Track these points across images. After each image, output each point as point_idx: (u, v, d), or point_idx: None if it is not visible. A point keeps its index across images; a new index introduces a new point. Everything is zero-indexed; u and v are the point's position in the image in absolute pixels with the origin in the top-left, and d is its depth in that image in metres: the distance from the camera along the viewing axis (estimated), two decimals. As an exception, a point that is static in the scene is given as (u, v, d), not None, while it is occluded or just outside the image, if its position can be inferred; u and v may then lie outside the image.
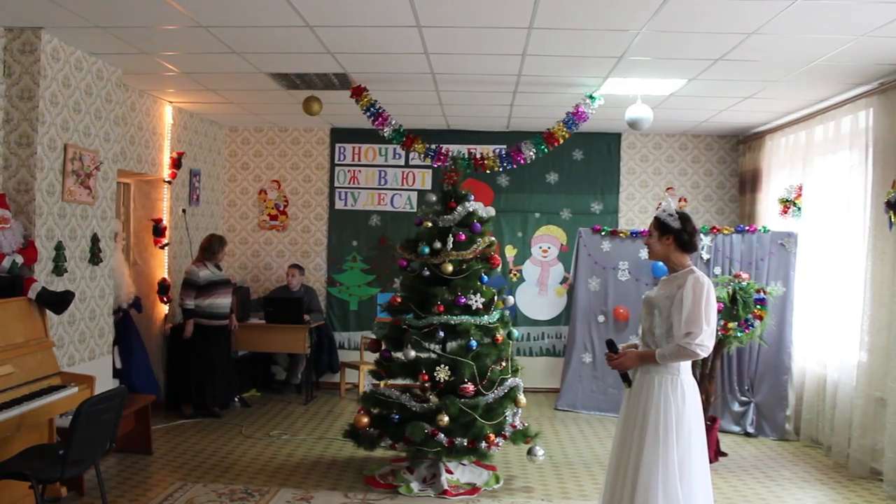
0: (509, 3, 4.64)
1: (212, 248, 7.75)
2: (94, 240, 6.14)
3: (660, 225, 4.05)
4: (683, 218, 4.04)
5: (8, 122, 5.39)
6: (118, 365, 6.97)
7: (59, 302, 5.11)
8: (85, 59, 5.94)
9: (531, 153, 7.17)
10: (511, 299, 6.07)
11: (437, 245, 5.66)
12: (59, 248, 5.67)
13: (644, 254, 8.24)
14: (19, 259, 5.08)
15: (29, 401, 4.47)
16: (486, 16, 4.91)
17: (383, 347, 5.85)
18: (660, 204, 9.36)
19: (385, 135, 7.20)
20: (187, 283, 7.58)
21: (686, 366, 3.91)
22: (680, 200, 9.42)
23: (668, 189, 9.45)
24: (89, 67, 6.00)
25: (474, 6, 4.73)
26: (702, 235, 8.00)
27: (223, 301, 7.70)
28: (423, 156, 7.37)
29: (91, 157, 6.01)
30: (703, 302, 3.78)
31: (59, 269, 5.66)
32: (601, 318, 8.42)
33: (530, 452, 5.79)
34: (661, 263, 8.10)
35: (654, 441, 3.79)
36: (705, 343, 3.74)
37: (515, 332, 6.04)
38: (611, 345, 4.16)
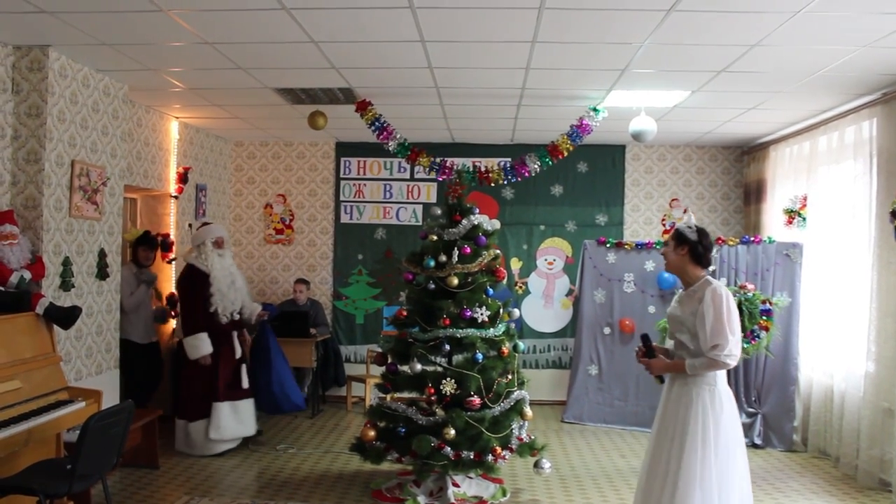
0: (512, 17, 4.67)
1: None
2: (102, 255, 6.17)
3: (677, 235, 4.21)
4: (701, 232, 4.18)
5: (16, 138, 5.43)
6: (245, 384, 7.00)
7: (66, 317, 5.13)
8: (92, 76, 5.99)
9: (535, 166, 7.19)
10: (517, 312, 6.07)
11: (443, 258, 5.67)
12: (67, 263, 5.70)
13: (650, 265, 8.25)
14: (27, 274, 5.10)
15: (37, 416, 4.47)
16: (490, 30, 4.94)
17: (389, 361, 5.87)
18: (664, 216, 9.39)
19: (390, 149, 7.23)
20: None
21: (722, 376, 4.01)
22: (685, 212, 9.42)
23: (672, 200, 9.45)
24: (96, 84, 6.05)
25: (478, 21, 4.76)
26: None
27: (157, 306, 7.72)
28: (427, 169, 7.38)
29: (98, 173, 6.04)
30: (725, 312, 3.91)
31: (66, 285, 5.68)
32: (607, 330, 8.41)
33: (537, 465, 5.78)
34: (666, 275, 8.18)
35: (692, 451, 3.87)
36: (733, 352, 3.88)
37: (521, 344, 6.05)
38: (646, 339, 4.32)
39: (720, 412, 3.92)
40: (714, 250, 7.84)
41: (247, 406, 6.99)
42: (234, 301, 6.91)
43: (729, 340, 3.87)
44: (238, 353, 7.05)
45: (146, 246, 7.21)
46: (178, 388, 7.18)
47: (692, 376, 3.97)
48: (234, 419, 6.85)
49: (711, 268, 7.80)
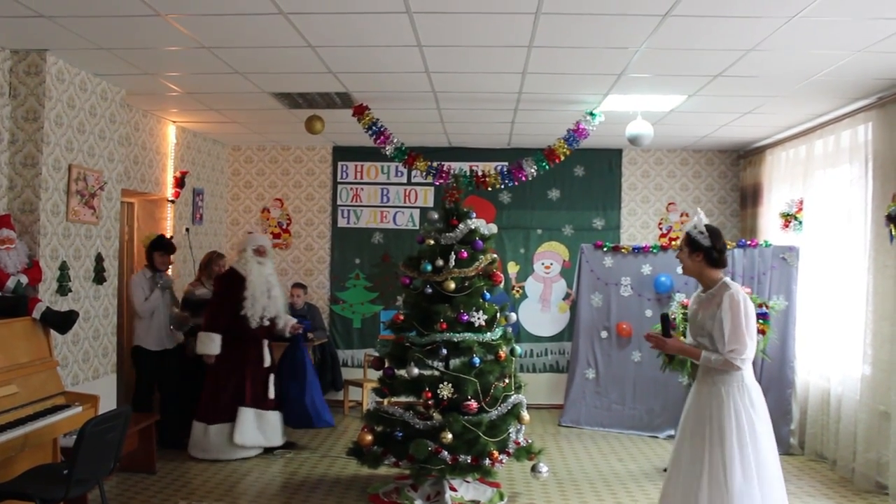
0: (509, 22, 4.69)
1: (203, 265, 7.79)
2: (99, 259, 6.17)
3: (690, 242, 4.20)
4: (713, 235, 4.17)
5: (13, 142, 5.43)
6: (272, 395, 7.01)
7: (63, 322, 5.13)
8: (89, 81, 5.99)
9: (532, 170, 7.21)
10: (513, 316, 6.08)
11: (440, 262, 5.68)
12: (64, 267, 5.70)
13: (647, 269, 8.27)
14: (24, 279, 5.11)
15: (33, 421, 4.47)
16: (487, 35, 4.95)
17: (386, 365, 5.87)
18: (661, 220, 9.40)
19: (387, 153, 7.25)
20: (184, 302, 7.58)
21: (749, 371, 4.05)
22: (682, 216, 9.44)
23: (669, 204, 9.47)
24: (93, 88, 6.05)
25: (474, 25, 4.77)
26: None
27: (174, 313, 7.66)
28: (424, 174, 7.40)
29: (95, 177, 6.05)
30: (742, 318, 3.96)
31: (63, 289, 5.68)
32: (604, 334, 8.42)
33: (534, 469, 5.78)
34: (662, 279, 8.18)
35: (731, 448, 3.91)
36: (748, 357, 3.96)
37: (518, 348, 6.06)
38: (665, 319, 4.39)
39: (751, 406, 3.99)
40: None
41: (272, 417, 6.98)
42: (268, 308, 6.94)
43: (747, 346, 3.95)
44: (267, 361, 7.06)
45: (162, 250, 7.11)
46: (200, 391, 7.16)
47: (720, 374, 4.02)
48: (257, 428, 6.86)
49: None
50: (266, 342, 7.07)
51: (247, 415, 6.80)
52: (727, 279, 4.18)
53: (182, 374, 7.37)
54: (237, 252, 7.24)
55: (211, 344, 6.79)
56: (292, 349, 7.31)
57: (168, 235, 7.98)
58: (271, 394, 6.99)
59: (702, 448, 4.01)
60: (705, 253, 4.14)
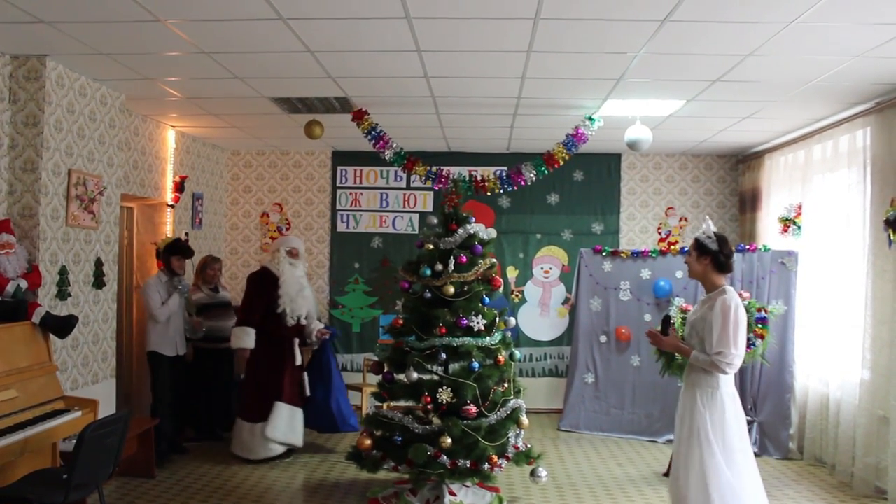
0: (508, 27, 4.70)
1: (198, 269, 7.81)
2: (98, 264, 6.17)
3: (699, 246, 4.43)
4: (721, 240, 4.39)
5: (13, 147, 5.44)
6: (307, 393, 7.09)
7: (62, 326, 5.13)
8: (89, 86, 6.00)
9: (531, 175, 7.22)
10: (513, 320, 6.08)
11: (439, 267, 5.68)
12: (63, 272, 5.70)
13: (646, 273, 8.27)
14: (23, 284, 5.11)
15: (33, 425, 4.48)
16: (486, 40, 4.96)
17: (386, 369, 5.86)
18: (660, 225, 9.40)
19: (386, 158, 7.26)
20: None
21: (726, 380, 4.25)
22: (680, 220, 9.45)
23: (668, 209, 9.49)
24: (93, 93, 6.06)
25: (473, 31, 4.78)
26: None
27: (222, 324, 7.65)
28: (424, 178, 7.41)
29: (95, 182, 6.05)
30: (731, 324, 4.15)
31: (62, 294, 5.69)
32: (603, 339, 8.43)
33: (533, 474, 5.78)
34: (662, 283, 8.20)
35: (698, 449, 4.18)
36: (734, 363, 4.16)
37: (517, 353, 6.06)
38: (666, 320, 4.72)
39: (720, 413, 4.18)
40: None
41: (300, 417, 7.04)
42: (302, 307, 7.02)
43: (731, 352, 4.13)
44: (298, 360, 7.13)
45: (179, 254, 7.08)
46: (241, 390, 7.22)
47: (699, 378, 4.27)
48: (289, 424, 6.91)
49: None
50: (297, 341, 7.16)
51: (282, 410, 6.85)
52: (727, 286, 4.36)
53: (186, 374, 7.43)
54: (271, 252, 7.36)
55: (246, 338, 6.87)
56: (319, 352, 7.36)
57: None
58: (307, 391, 7.09)
59: (679, 448, 4.35)
60: (713, 257, 4.36)
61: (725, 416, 4.19)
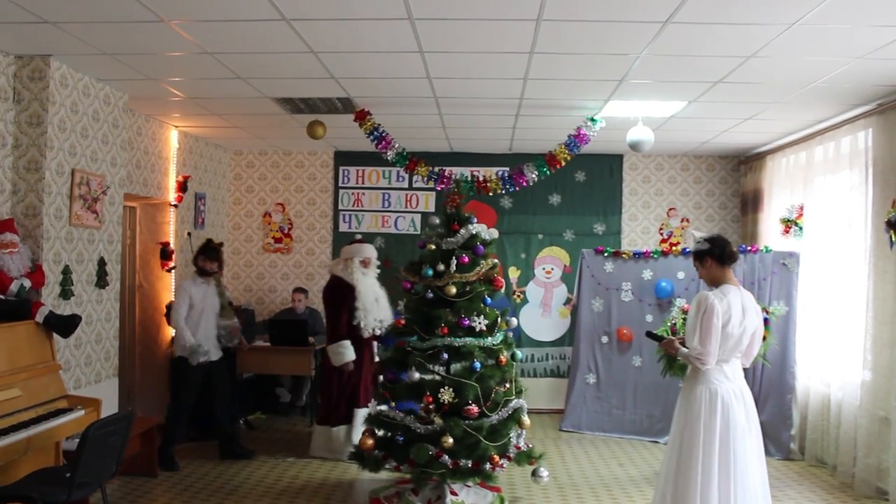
0: (510, 28, 4.71)
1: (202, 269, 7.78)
2: (101, 263, 6.19)
3: (696, 255, 4.66)
4: (710, 239, 4.59)
5: (17, 147, 5.46)
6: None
7: (66, 325, 5.15)
8: (92, 86, 6.02)
9: (533, 175, 7.23)
10: (514, 321, 6.10)
11: (441, 267, 5.69)
12: (67, 271, 5.72)
13: (647, 274, 8.29)
14: (27, 283, 5.13)
15: (36, 424, 4.49)
16: (488, 41, 4.98)
17: (387, 369, 5.88)
18: (662, 225, 9.41)
19: (389, 158, 7.27)
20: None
21: (721, 378, 4.38)
22: (682, 221, 9.47)
23: (670, 209, 9.49)
24: (96, 93, 6.08)
25: (476, 32, 4.80)
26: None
27: (225, 323, 7.65)
28: (426, 179, 7.43)
29: (98, 182, 6.07)
30: (698, 322, 4.35)
31: (66, 293, 5.71)
32: (605, 339, 8.43)
33: (535, 474, 5.79)
34: (663, 284, 8.20)
35: (675, 445, 4.43)
36: (702, 359, 4.33)
37: (519, 353, 6.07)
38: (651, 336, 4.96)
39: (710, 411, 4.32)
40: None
41: None
42: (378, 317, 7.04)
43: (697, 348, 4.31)
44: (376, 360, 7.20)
45: (205, 256, 6.97)
46: (322, 395, 7.25)
47: (695, 375, 4.42)
48: None
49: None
50: (375, 343, 7.23)
51: (361, 415, 6.85)
52: (725, 286, 4.49)
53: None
54: (342, 260, 7.21)
55: (347, 352, 6.88)
56: None
57: (170, 240, 8.02)
58: None
59: (674, 446, 4.48)
60: (710, 255, 4.53)
61: (712, 415, 4.31)
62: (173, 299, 7.96)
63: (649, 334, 4.96)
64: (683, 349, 4.42)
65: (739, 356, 4.48)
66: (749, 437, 4.34)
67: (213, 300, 6.98)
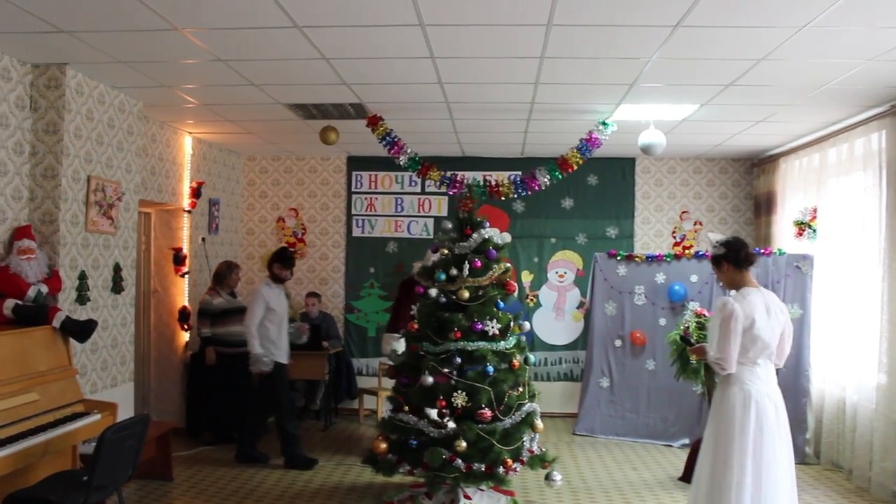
0: (521, 34, 4.73)
1: (220, 275, 7.85)
2: (117, 269, 6.25)
3: (713, 259, 4.69)
4: (726, 243, 4.61)
5: (34, 154, 5.53)
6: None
7: (82, 330, 5.19)
8: (107, 93, 6.08)
9: (545, 180, 7.23)
10: (527, 325, 6.10)
11: (454, 272, 5.71)
12: (83, 277, 5.78)
13: (660, 277, 8.28)
14: (44, 288, 5.18)
15: (53, 428, 4.53)
16: (499, 46, 5.00)
17: (401, 374, 5.90)
18: (675, 229, 9.39)
19: (401, 163, 7.29)
20: (202, 312, 7.67)
21: (754, 379, 4.39)
22: (695, 224, 9.44)
23: (682, 212, 9.47)
24: (111, 101, 6.14)
25: (487, 37, 4.82)
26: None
27: (240, 328, 7.73)
28: (438, 183, 7.43)
29: (113, 188, 6.13)
30: (717, 329, 4.38)
31: (82, 298, 5.76)
32: (618, 343, 8.43)
33: (548, 478, 5.79)
34: (676, 287, 8.18)
35: (711, 443, 4.45)
36: (721, 364, 4.38)
37: (532, 357, 6.08)
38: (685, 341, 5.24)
39: (743, 412, 4.32)
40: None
41: None
42: None
43: (716, 354, 4.37)
44: None
45: (280, 263, 7.10)
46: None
47: (728, 377, 4.43)
48: None
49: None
50: None
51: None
52: (745, 288, 4.50)
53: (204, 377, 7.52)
54: (422, 265, 7.09)
55: (396, 345, 6.85)
56: None
57: (184, 246, 8.07)
58: None
59: (708, 444, 4.51)
60: (726, 259, 4.56)
61: (745, 414, 4.32)
62: (186, 304, 8.04)
63: (683, 339, 5.30)
64: (709, 354, 4.48)
65: (771, 357, 4.48)
66: (779, 440, 4.35)
67: (285, 305, 7.16)
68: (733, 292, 4.52)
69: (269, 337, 6.93)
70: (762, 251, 7.83)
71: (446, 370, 5.59)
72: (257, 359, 6.83)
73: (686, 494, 6.22)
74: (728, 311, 4.33)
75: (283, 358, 7.06)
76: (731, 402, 4.36)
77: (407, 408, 5.66)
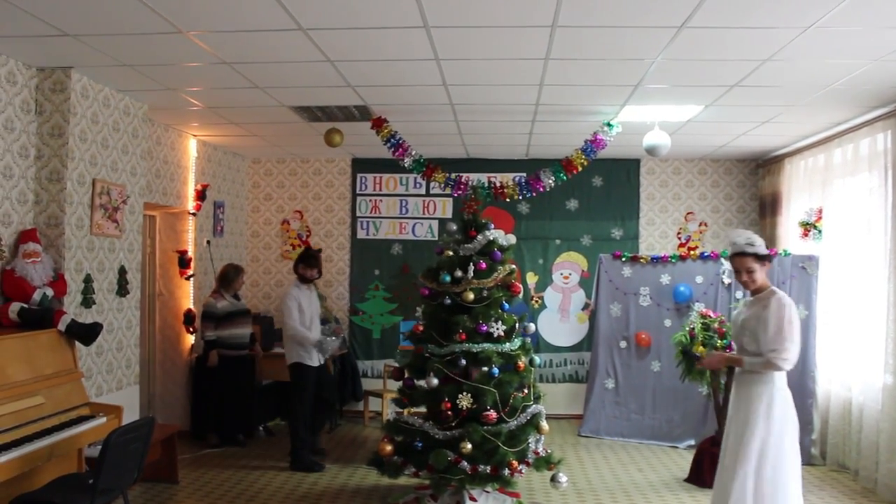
0: (526, 35, 4.73)
1: (227, 278, 7.85)
2: (122, 272, 6.26)
3: (758, 257, 4.53)
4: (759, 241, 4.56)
5: (39, 158, 5.54)
6: None
7: (87, 334, 5.20)
8: (112, 96, 6.09)
9: (550, 181, 7.23)
10: (532, 326, 6.10)
11: (459, 273, 5.71)
12: (88, 280, 5.79)
13: (665, 279, 8.26)
14: (49, 292, 5.19)
15: (59, 431, 4.54)
16: (504, 48, 4.99)
17: (406, 375, 5.90)
18: (680, 230, 9.37)
19: (406, 165, 7.30)
20: (206, 315, 7.67)
21: (782, 377, 4.39)
22: (700, 225, 9.43)
23: (687, 214, 9.46)
24: (116, 104, 6.16)
25: (491, 39, 4.81)
26: (723, 260, 8.01)
27: (243, 331, 7.77)
28: (443, 185, 7.45)
29: (118, 191, 6.14)
30: (787, 321, 4.31)
31: (87, 302, 5.77)
32: (623, 344, 8.41)
33: (554, 479, 5.79)
34: (681, 288, 8.15)
35: (749, 442, 4.35)
36: (790, 358, 4.29)
37: (537, 358, 6.07)
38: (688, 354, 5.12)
39: (779, 409, 4.33)
40: (729, 263, 8.04)
41: None
42: None
43: (788, 348, 4.27)
44: None
45: (304, 263, 7.11)
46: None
47: (755, 376, 4.39)
48: None
49: (728, 280, 7.88)
50: None
51: None
52: (774, 287, 4.51)
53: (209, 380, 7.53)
54: None
55: None
56: None
57: (189, 248, 8.08)
58: None
59: (731, 437, 4.47)
60: (767, 259, 4.55)
61: (784, 414, 4.35)
62: (191, 307, 8.05)
63: (688, 353, 5.29)
64: (755, 358, 4.37)
65: None
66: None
67: (316, 305, 7.16)
68: (779, 291, 4.49)
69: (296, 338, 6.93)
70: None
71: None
72: (319, 346, 6.91)
73: (691, 496, 6.23)
74: (789, 304, 4.37)
75: (312, 360, 6.98)
76: (784, 404, 4.37)
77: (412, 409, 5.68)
